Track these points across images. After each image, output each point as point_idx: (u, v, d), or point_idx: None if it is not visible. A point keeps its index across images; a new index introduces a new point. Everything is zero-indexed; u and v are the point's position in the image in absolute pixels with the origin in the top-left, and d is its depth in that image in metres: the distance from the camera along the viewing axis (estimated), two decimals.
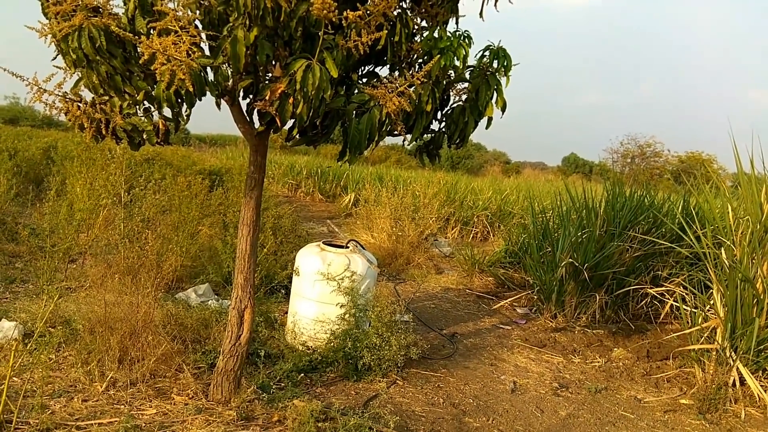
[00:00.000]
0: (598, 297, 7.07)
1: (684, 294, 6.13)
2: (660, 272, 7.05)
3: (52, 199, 6.33)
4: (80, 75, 3.40)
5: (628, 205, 7.26)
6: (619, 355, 6.24)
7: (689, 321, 5.72)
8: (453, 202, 13.02)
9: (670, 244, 6.58)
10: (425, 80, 3.69)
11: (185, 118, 3.37)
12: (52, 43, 3.29)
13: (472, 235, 13.25)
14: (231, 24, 3.10)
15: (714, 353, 5.33)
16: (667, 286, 6.48)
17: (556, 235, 7.73)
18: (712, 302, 5.67)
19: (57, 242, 5.84)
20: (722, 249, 5.78)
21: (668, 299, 6.46)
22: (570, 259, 6.81)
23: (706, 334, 5.50)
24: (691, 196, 7.36)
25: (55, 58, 3.38)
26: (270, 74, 3.88)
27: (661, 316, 6.92)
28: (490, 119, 4.33)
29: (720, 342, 5.31)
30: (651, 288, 6.76)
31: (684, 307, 5.87)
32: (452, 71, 4.20)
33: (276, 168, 19.97)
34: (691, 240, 6.09)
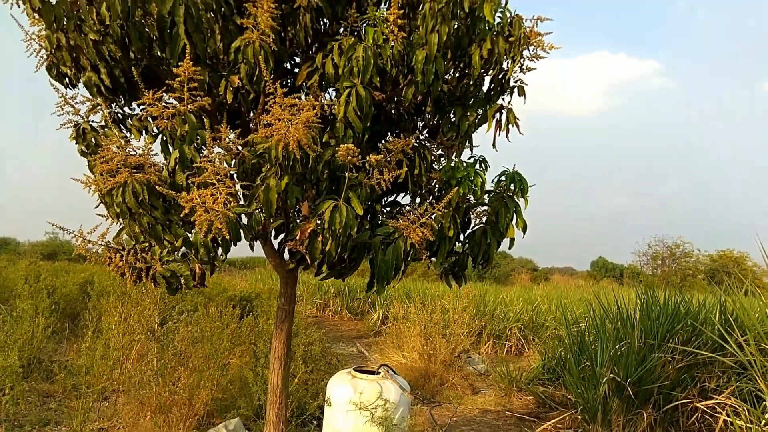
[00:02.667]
0: (645, 414, 6.67)
1: (736, 406, 5.76)
2: (707, 384, 6.69)
3: (89, 339, 6.46)
4: (123, 225, 3.66)
5: (664, 313, 7.06)
6: None
7: None
8: (484, 315, 12.80)
9: (711, 354, 6.31)
10: (445, 210, 3.85)
11: (221, 261, 3.55)
12: (96, 194, 3.58)
13: (506, 350, 12.86)
14: (264, 174, 3.36)
15: None
16: (716, 399, 6.11)
17: (593, 347, 7.48)
18: (767, 416, 5.31)
19: (92, 382, 5.88)
20: None
21: (720, 413, 6.06)
22: (611, 374, 6.53)
23: None
24: (728, 298, 7.15)
25: (97, 206, 3.64)
26: (299, 212, 4.12)
27: None
28: (512, 240, 4.43)
29: None
30: (699, 402, 6.38)
31: (738, 422, 5.50)
32: (471, 195, 4.37)
33: (304, 287, 20.11)
34: (734, 349, 5.84)
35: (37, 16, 3.49)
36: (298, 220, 3.87)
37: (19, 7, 3.48)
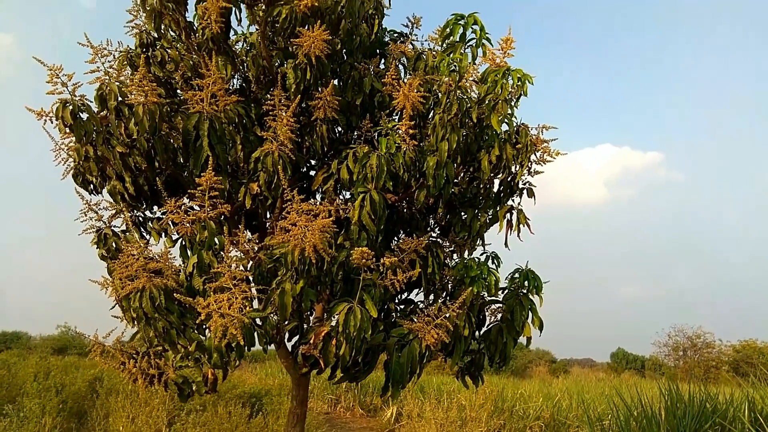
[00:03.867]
0: None
1: None
2: None
3: None
4: (138, 329, 3.67)
5: (690, 411, 6.75)
6: None
7: None
8: (502, 412, 12.27)
9: None
10: (460, 310, 3.83)
11: (234, 366, 3.51)
12: (112, 296, 3.62)
13: None
14: (279, 278, 3.41)
15: None
16: None
17: None
18: None
19: None
20: None
21: None
22: None
23: None
24: (756, 394, 6.83)
25: (113, 307, 3.66)
26: (312, 314, 4.12)
27: None
28: (528, 339, 4.36)
29: None
30: None
31: None
32: (485, 293, 4.35)
33: (315, 382, 19.53)
34: None
35: (68, 131, 3.70)
36: (311, 323, 3.87)
37: (52, 122, 3.70)
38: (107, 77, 3.60)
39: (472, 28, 4.05)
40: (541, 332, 4.34)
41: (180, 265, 3.73)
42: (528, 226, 4.10)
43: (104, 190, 3.97)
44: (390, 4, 4.46)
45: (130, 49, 4.13)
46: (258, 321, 3.45)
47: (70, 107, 3.47)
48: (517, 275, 4.39)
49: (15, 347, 26.27)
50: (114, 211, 4.07)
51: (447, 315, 3.73)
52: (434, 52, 4.27)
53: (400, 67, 4.37)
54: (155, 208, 4.19)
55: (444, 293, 4.42)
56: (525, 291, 4.29)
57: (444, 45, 4.21)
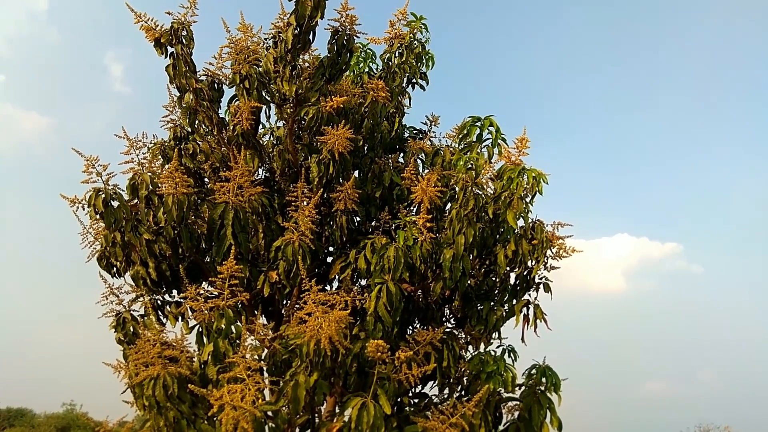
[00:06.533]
0: None
1: None
2: None
3: None
4: (149, 417, 3.62)
5: None
6: None
7: None
8: None
9: None
10: (476, 409, 3.73)
11: None
12: (125, 380, 3.59)
13: None
14: (293, 369, 3.38)
15: None
16: None
17: None
18: None
19: None
20: None
21: None
22: None
23: None
24: None
25: (124, 392, 3.62)
26: (324, 407, 4.04)
27: None
28: None
29: None
30: None
31: None
32: (502, 389, 4.24)
33: None
34: None
35: (98, 217, 3.84)
36: (323, 417, 3.78)
37: (83, 210, 3.84)
38: (140, 168, 3.80)
39: (488, 130, 4.25)
40: None
41: (195, 351, 3.73)
42: (545, 321, 4.08)
43: (127, 275, 4.06)
44: (410, 104, 4.72)
45: (164, 141, 4.37)
46: (270, 413, 3.39)
47: (102, 196, 3.64)
48: (534, 371, 4.28)
49: (18, 424, 25.63)
50: (134, 296, 4.14)
51: (462, 413, 3.63)
52: (452, 149, 4.45)
53: (419, 162, 4.54)
54: (174, 292, 4.26)
55: (459, 387, 4.32)
56: (543, 389, 4.18)
57: (461, 144, 4.39)
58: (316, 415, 3.75)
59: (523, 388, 4.25)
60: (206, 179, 4.40)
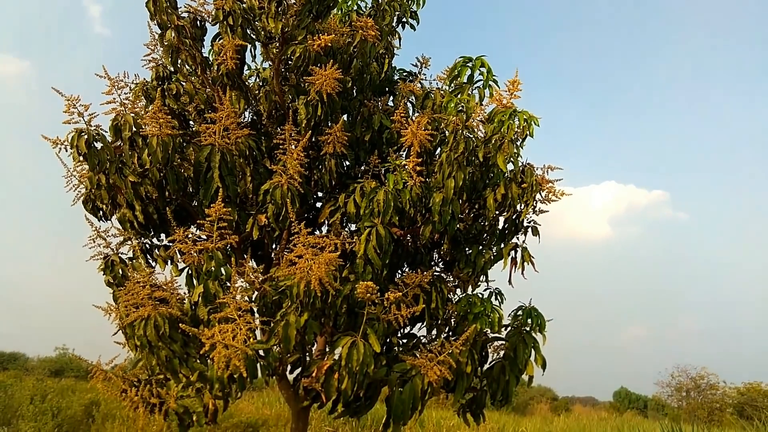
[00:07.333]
0: None
1: None
2: None
3: None
4: (141, 357, 3.67)
5: None
6: None
7: None
8: None
9: None
10: (463, 347, 3.83)
11: (235, 398, 3.50)
12: (116, 322, 3.63)
13: None
14: (284, 310, 3.42)
15: None
16: None
17: None
18: None
19: None
20: None
21: None
22: None
23: None
24: None
25: (115, 333, 3.67)
26: (315, 347, 4.12)
27: None
28: (531, 377, 4.33)
29: None
30: None
31: None
32: (488, 329, 4.34)
33: (312, 412, 19.27)
34: None
35: (82, 159, 3.77)
36: (314, 356, 3.86)
37: (66, 151, 3.77)
38: (123, 108, 3.70)
39: (479, 71, 4.16)
40: (544, 371, 4.31)
41: (185, 293, 3.75)
42: (532, 264, 4.13)
43: (113, 218, 4.03)
44: (400, 44, 4.59)
45: (146, 81, 4.24)
46: (261, 353, 3.46)
47: (85, 137, 3.55)
48: (520, 313, 4.38)
49: (12, 368, 25.99)
50: (122, 239, 4.13)
51: (450, 351, 3.73)
52: (442, 92, 4.37)
53: (409, 105, 4.47)
54: (163, 236, 4.25)
55: (447, 328, 4.41)
56: (528, 329, 4.28)
57: (452, 86, 4.31)
58: (307, 354, 3.82)
59: (509, 328, 4.35)
60: (191, 122, 4.30)
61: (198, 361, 3.57)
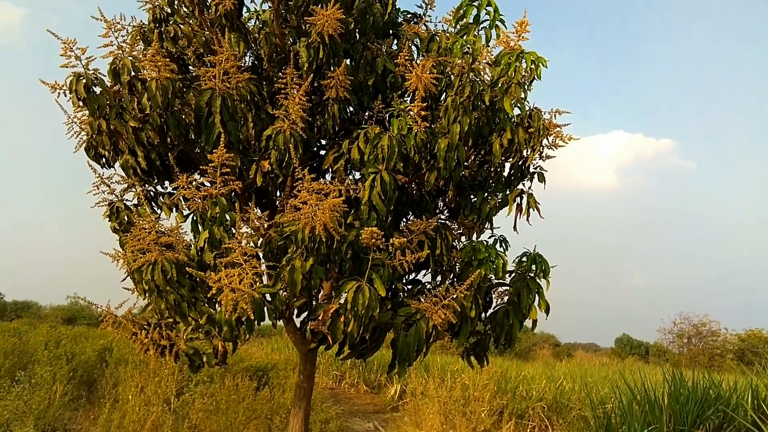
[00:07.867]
0: None
1: None
2: None
3: (107, 411, 6.41)
4: (149, 301, 3.73)
5: (693, 398, 6.78)
6: None
7: None
8: (505, 393, 12.38)
9: None
10: (467, 292, 3.86)
11: (243, 340, 3.58)
12: (124, 269, 3.67)
13: (529, 430, 12.34)
14: (289, 255, 3.45)
15: None
16: None
17: (620, 431, 7.16)
18: None
19: None
20: None
21: None
22: None
23: None
24: (760, 382, 6.85)
25: (124, 279, 3.72)
26: (321, 291, 4.17)
27: None
28: (534, 322, 4.38)
29: None
30: None
31: None
32: (492, 275, 4.37)
33: (321, 358, 19.77)
34: None
35: (81, 104, 3.72)
36: (320, 300, 3.92)
37: (65, 96, 3.72)
38: (120, 52, 3.61)
39: (486, 10, 4.01)
40: (547, 315, 4.36)
41: (191, 239, 3.78)
42: (538, 210, 4.11)
43: (116, 164, 4.01)
44: None
45: (143, 24, 4.13)
46: (268, 296, 3.50)
47: (84, 81, 3.49)
48: (524, 259, 4.39)
49: (25, 316, 26.71)
50: (126, 185, 4.12)
51: (454, 296, 3.76)
52: (448, 34, 4.24)
53: (413, 48, 4.34)
54: (167, 183, 4.24)
55: (452, 275, 4.44)
56: (532, 275, 4.31)
57: (458, 27, 4.17)
58: (313, 298, 3.87)
59: (513, 274, 4.38)
60: (190, 66, 4.21)
61: (206, 304, 3.63)
